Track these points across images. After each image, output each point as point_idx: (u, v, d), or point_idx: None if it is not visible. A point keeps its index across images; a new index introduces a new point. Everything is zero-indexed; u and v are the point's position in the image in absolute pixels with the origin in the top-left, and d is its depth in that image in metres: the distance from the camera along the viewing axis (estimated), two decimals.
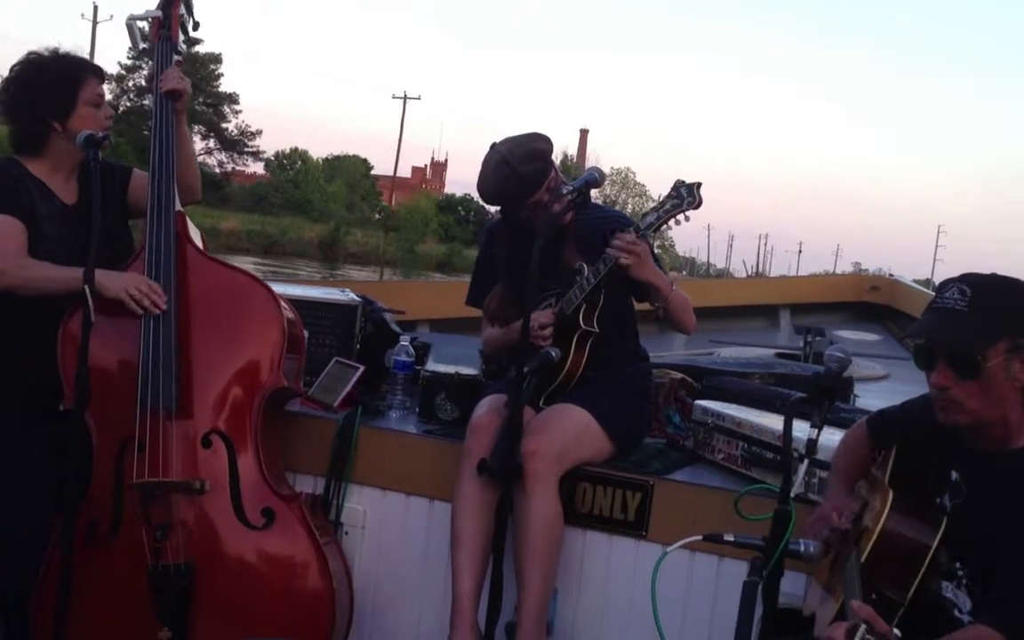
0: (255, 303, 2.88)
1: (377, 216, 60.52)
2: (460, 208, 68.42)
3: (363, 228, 55.41)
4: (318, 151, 79.52)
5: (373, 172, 70.43)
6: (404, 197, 71.77)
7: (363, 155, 71.07)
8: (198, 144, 47.72)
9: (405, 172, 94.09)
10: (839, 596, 2.16)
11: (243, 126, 58.13)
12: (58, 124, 2.85)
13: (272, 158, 63.32)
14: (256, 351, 2.85)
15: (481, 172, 3.06)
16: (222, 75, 55.29)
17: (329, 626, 2.79)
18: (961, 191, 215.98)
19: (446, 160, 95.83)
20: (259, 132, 58.95)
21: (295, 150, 63.70)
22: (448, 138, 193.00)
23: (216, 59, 54.23)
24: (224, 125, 56.81)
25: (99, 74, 2.95)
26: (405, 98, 57.73)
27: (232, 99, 56.94)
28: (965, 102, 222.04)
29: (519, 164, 2.94)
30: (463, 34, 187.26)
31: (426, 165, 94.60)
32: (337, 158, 68.63)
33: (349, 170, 66.03)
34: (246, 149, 58.54)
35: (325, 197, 58.40)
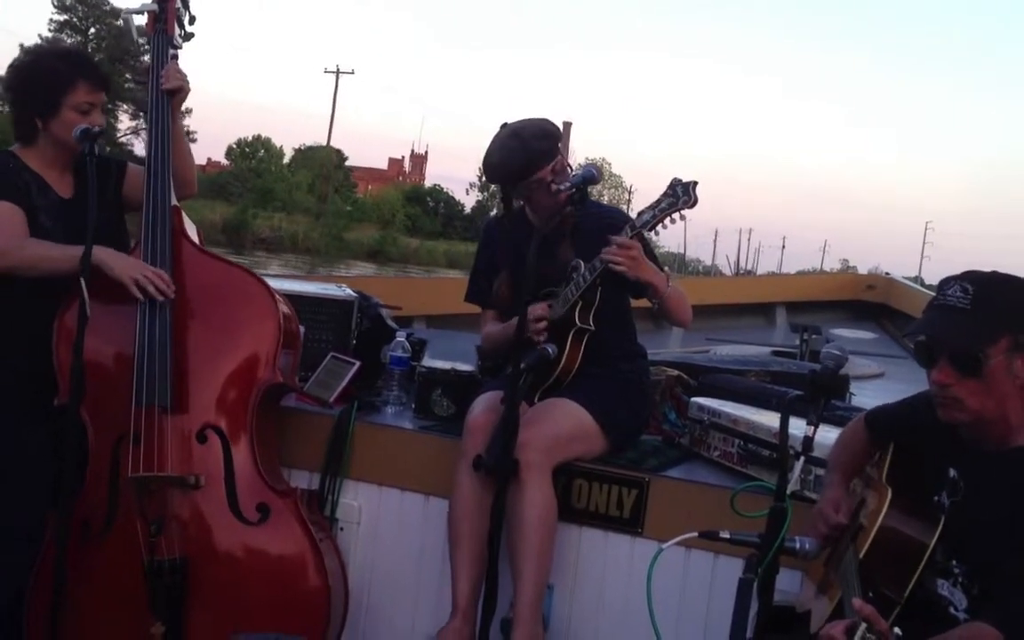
0: (251, 298, 2.87)
1: (349, 208, 58.74)
2: (428, 199, 66.23)
3: (290, 212, 51.47)
4: (295, 142, 76.00)
5: (348, 163, 67.57)
6: (380, 188, 70.46)
7: (341, 148, 67.62)
8: (125, 123, 43.94)
9: (382, 164, 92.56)
10: (835, 594, 2.16)
11: None
12: (41, 123, 2.85)
13: (234, 146, 60.47)
14: (252, 346, 2.85)
15: (489, 146, 3.08)
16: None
17: (324, 622, 2.79)
18: (949, 188, 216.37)
19: (426, 153, 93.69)
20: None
21: (257, 137, 60.89)
22: (432, 134, 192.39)
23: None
24: None
25: (96, 81, 2.90)
26: (338, 72, 54.00)
27: None
28: (954, 99, 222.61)
29: (529, 139, 2.97)
30: (451, 29, 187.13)
31: (403, 157, 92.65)
32: (311, 148, 65.31)
33: (322, 161, 62.55)
34: None
35: (289, 186, 55.55)
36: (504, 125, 3.10)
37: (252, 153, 59.99)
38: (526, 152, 2.97)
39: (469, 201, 69.59)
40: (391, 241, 51.67)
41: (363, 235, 51.49)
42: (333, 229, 48.94)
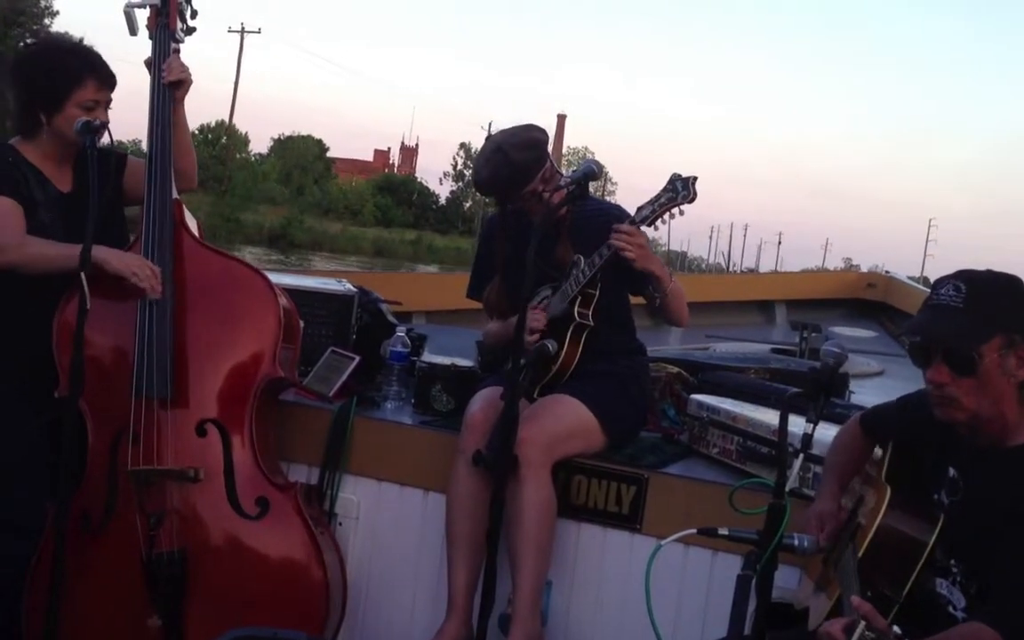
0: (252, 292, 2.87)
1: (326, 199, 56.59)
2: (402, 188, 64.54)
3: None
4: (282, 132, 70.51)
5: (330, 154, 65.66)
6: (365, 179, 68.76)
7: (323, 138, 65.13)
8: None
9: (367, 155, 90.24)
10: (833, 591, 2.16)
11: None
12: (44, 117, 2.84)
13: (196, 132, 56.74)
14: (252, 340, 2.84)
15: (475, 162, 3.09)
16: (57, 13, 41.13)
17: (323, 616, 2.79)
18: (953, 187, 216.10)
19: (416, 145, 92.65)
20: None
21: (220, 123, 56.22)
22: (421, 127, 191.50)
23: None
24: None
25: (103, 79, 2.88)
26: (242, 31, 48.64)
27: None
28: (957, 98, 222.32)
29: (513, 152, 2.95)
30: (443, 22, 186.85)
31: (389, 149, 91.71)
32: (290, 138, 62.72)
33: (301, 151, 60.68)
34: None
35: (254, 175, 52.21)
36: (488, 137, 3.09)
37: (215, 139, 56.02)
38: (512, 168, 2.95)
39: (443, 191, 68.28)
40: (298, 224, 47.18)
41: (264, 217, 46.45)
42: (225, 209, 43.22)
